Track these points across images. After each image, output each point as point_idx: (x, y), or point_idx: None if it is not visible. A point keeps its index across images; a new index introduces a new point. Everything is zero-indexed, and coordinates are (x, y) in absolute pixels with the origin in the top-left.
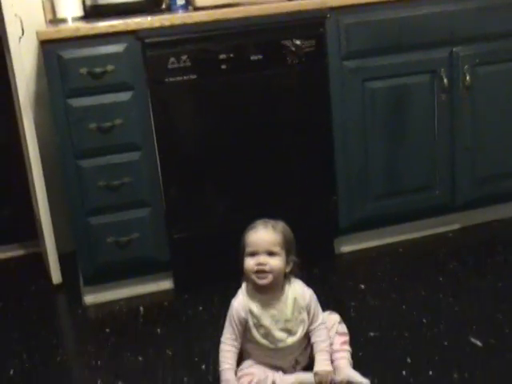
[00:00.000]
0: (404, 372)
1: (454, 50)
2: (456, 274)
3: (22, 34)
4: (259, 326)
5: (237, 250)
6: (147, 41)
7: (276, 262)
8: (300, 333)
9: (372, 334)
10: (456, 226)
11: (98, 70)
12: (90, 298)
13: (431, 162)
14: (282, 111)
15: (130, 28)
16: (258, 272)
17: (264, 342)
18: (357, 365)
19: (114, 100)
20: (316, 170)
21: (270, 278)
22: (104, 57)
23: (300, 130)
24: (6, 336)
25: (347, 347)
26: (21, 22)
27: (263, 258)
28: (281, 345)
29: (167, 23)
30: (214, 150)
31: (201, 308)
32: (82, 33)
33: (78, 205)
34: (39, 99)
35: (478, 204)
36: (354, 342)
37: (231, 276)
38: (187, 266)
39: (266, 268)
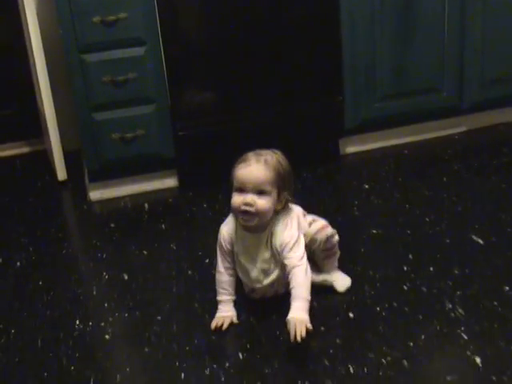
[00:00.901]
0: (405, 267)
1: None
2: (460, 174)
3: None
4: (238, 262)
5: (241, 148)
6: None
7: (264, 203)
8: (277, 273)
9: (374, 231)
10: (462, 129)
11: None
12: (95, 194)
13: (439, 62)
14: (289, 7)
15: None
16: (243, 212)
17: (243, 279)
18: (359, 260)
19: None
20: (322, 69)
21: (255, 220)
22: None
23: (307, 28)
24: (12, 230)
25: (336, 250)
26: None
27: (251, 198)
28: (257, 286)
29: None
30: (219, 45)
31: (205, 205)
32: None
33: (82, 100)
34: None
35: (485, 107)
36: (356, 239)
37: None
38: (192, 164)
39: (253, 210)
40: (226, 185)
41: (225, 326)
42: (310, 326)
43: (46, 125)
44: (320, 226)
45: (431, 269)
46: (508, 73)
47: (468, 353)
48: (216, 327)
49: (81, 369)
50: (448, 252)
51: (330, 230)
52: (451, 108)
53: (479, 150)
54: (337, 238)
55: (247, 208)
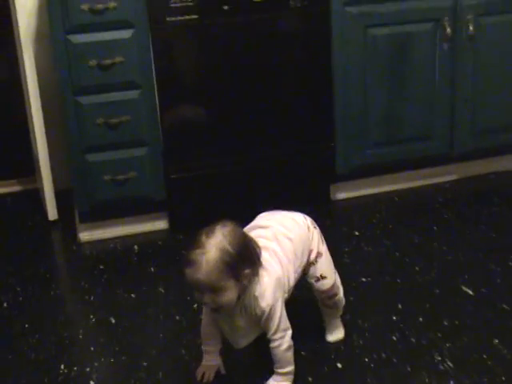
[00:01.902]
0: (394, 317)
1: None
2: (451, 223)
3: None
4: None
5: (233, 192)
6: None
7: (223, 299)
8: (254, 336)
9: (364, 279)
10: (453, 177)
11: (99, 6)
12: (85, 235)
13: (430, 111)
14: (282, 54)
15: None
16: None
17: (228, 337)
18: (349, 308)
19: (114, 37)
20: (315, 115)
21: (222, 309)
22: None
23: (300, 74)
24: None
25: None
26: None
27: (208, 298)
28: (236, 347)
29: None
30: (213, 91)
31: None
32: None
33: (76, 141)
34: (40, 36)
35: (476, 156)
36: (345, 287)
37: (227, 218)
38: (183, 207)
39: (215, 306)
40: None
41: (210, 377)
42: None
43: (38, 163)
44: (326, 288)
45: (420, 319)
46: (498, 122)
47: None
48: (202, 377)
49: None
50: (437, 302)
51: (333, 291)
52: (442, 156)
53: (470, 199)
54: (340, 295)
55: (208, 306)
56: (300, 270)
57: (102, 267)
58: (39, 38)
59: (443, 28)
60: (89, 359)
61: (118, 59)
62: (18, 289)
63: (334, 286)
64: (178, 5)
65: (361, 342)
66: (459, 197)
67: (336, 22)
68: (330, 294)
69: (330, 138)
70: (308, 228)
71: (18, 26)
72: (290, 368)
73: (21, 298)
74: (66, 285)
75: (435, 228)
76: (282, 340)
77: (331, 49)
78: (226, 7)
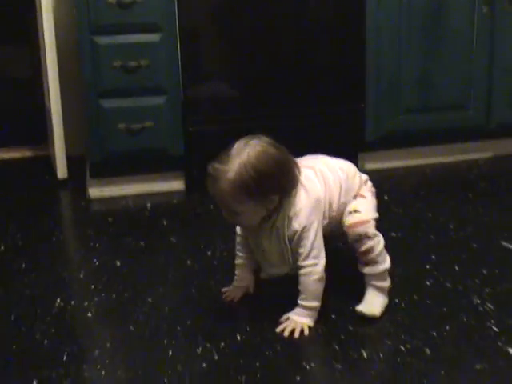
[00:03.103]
0: (428, 266)
1: None
2: (485, 191)
3: None
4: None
5: None
6: None
7: (240, 219)
8: (283, 269)
9: (394, 234)
10: (489, 154)
11: None
12: (95, 191)
13: (467, 78)
14: (314, 12)
15: None
16: None
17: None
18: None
19: None
20: (346, 75)
21: (244, 226)
22: None
23: (332, 32)
24: (2, 221)
25: (371, 258)
26: None
27: (225, 213)
28: (262, 275)
29: None
30: (240, 40)
31: (212, 206)
32: None
33: (90, 85)
34: None
35: None
36: None
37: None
38: (201, 164)
39: (234, 223)
40: None
41: (236, 299)
42: (306, 331)
43: (51, 122)
44: (356, 221)
45: (456, 268)
46: None
47: (499, 344)
48: (227, 298)
49: (55, 344)
50: (475, 255)
51: (363, 229)
52: (478, 127)
53: (506, 176)
54: (373, 243)
55: (231, 221)
56: (343, 208)
57: (110, 219)
58: None
59: None
60: (88, 295)
61: None
62: (18, 235)
63: (367, 224)
64: None
65: (391, 286)
66: (495, 174)
67: None
68: (362, 232)
69: (360, 99)
70: (357, 172)
71: None
72: (315, 304)
73: (20, 243)
74: (69, 233)
75: (470, 194)
76: (313, 268)
77: (365, 6)
78: None
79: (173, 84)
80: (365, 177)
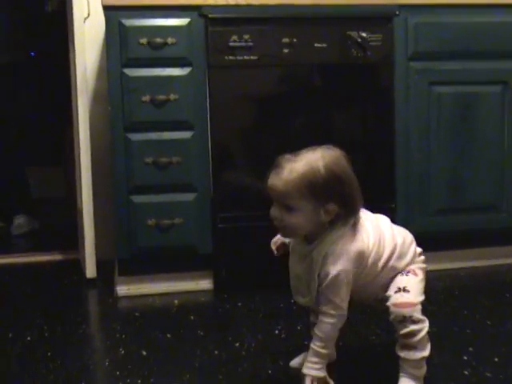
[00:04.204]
0: (465, 357)
1: None
2: None
3: (88, 15)
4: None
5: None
6: (210, 16)
7: (290, 219)
8: (307, 298)
9: (428, 329)
10: None
11: (158, 40)
12: (122, 289)
13: (499, 178)
14: (342, 104)
15: (194, 2)
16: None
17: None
18: None
19: (170, 74)
20: (375, 173)
21: (288, 234)
22: (166, 29)
23: (360, 127)
24: (29, 314)
25: (412, 343)
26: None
27: (275, 210)
28: (295, 298)
29: (232, 2)
30: (269, 136)
31: (240, 304)
32: (146, 2)
33: (122, 180)
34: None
35: None
36: None
37: (278, 278)
38: (229, 261)
39: (279, 224)
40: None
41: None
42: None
43: (82, 223)
44: (404, 301)
45: (496, 359)
46: None
47: None
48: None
49: None
50: None
51: (409, 312)
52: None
53: None
54: (416, 328)
55: (275, 222)
56: (392, 273)
57: (137, 314)
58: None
59: None
60: (113, 381)
61: (173, 96)
62: (45, 327)
63: (414, 307)
64: (238, 44)
65: (426, 376)
66: None
67: (399, 76)
68: (408, 314)
69: (390, 199)
70: (414, 242)
71: (75, 67)
72: (325, 351)
73: (46, 334)
74: (96, 326)
75: (507, 295)
76: (330, 313)
77: (394, 103)
78: (286, 50)
79: (203, 181)
80: (419, 249)
